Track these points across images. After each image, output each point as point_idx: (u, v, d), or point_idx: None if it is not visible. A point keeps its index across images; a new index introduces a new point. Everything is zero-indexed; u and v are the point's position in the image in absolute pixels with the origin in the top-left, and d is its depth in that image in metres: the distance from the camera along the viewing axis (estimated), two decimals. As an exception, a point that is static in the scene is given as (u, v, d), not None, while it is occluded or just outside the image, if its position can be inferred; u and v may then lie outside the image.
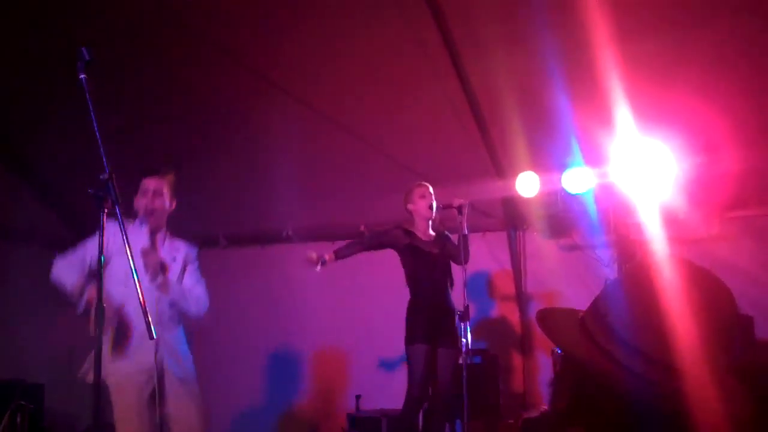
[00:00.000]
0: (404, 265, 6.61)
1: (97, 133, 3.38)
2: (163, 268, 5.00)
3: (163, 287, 4.92)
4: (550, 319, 1.64)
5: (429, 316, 6.40)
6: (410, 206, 6.60)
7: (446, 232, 6.71)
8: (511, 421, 6.05)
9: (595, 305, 1.56)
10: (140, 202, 4.97)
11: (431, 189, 6.56)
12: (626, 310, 1.49)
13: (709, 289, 1.49)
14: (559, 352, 5.64)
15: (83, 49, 3.42)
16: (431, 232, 6.66)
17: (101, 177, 3.37)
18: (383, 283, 7.63)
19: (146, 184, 4.98)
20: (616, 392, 1.44)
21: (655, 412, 1.41)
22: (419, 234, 6.58)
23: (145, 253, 4.90)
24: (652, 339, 1.42)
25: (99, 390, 3.41)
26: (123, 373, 4.74)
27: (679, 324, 1.41)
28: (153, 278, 4.85)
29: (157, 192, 5.00)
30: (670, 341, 1.40)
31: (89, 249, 4.85)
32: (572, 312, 1.64)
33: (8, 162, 8.15)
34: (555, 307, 1.74)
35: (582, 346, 1.51)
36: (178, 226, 8.62)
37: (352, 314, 8.19)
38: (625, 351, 1.44)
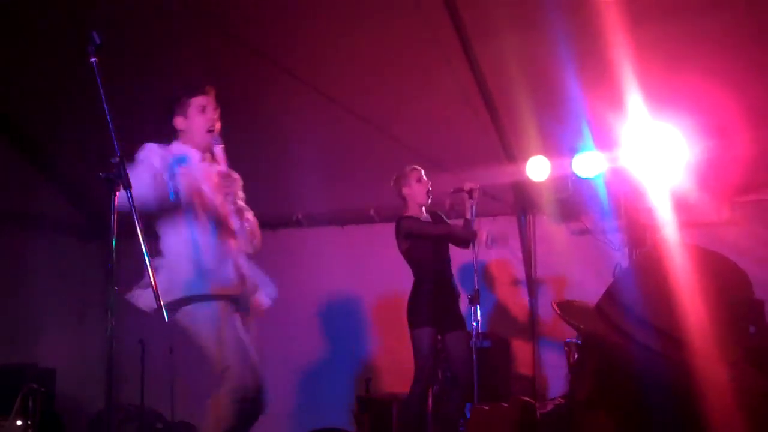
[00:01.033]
0: (405, 253, 6.60)
1: (108, 117, 3.38)
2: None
3: (251, 221, 4.65)
4: (568, 308, 1.66)
5: (434, 300, 6.42)
6: (406, 190, 6.57)
7: (439, 212, 6.72)
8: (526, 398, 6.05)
9: (610, 289, 1.58)
10: (198, 121, 4.54)
11: (423, 173, 6.55)
12: (639, 288, 1.50)
13: (722, 272, 1.50)
14: (574, 341, 5.64)
15: (94, 32, 3.42)
16: (425, 214, 6.65)
17: (112, 161, 3.37)
18: (390, 268, 7.65)
19: (200, 101, 4.54)
20: (634, 372, 1.45)
21: (669, 387, 1.42)
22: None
23: (225, 180, 4.51)
24: (665, 313, 1.43)
25: (112, 372, 3.41)
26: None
27: (691, 303, 1.42)
28: (239, 213, 4.56)
29: (215, 108, 4.59)
30: (682, 317, 1.41)
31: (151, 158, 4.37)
32: (588, 304, 1.66)
33: (19, 146, 8.17)
34: (572, 299, 1.76)
35: (599, 328, 1.52)
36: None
37: (361, 297, 8.21)
38: (639, 327, 1.45)
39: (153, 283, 3.41)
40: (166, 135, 4.61)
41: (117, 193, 3.36)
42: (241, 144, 7.62)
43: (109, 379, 3.41)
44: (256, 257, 4.76)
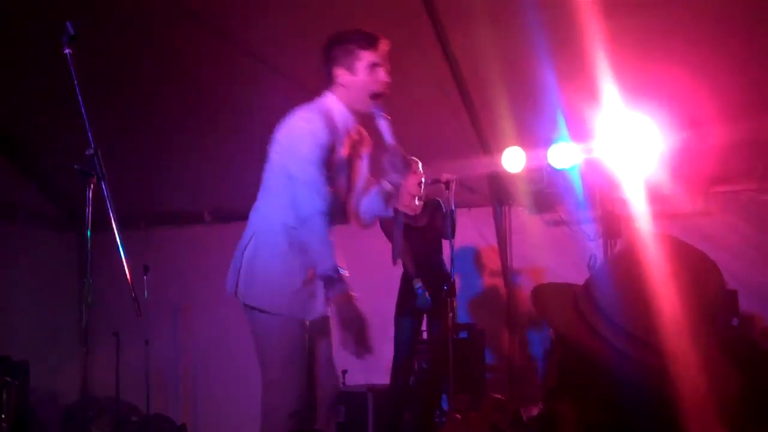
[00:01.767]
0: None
1: (83, 109, 3.36)
2: None
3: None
4: (543, 296, 1.66)
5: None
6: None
7: (438, 199, 6.70)
8: (498, 396, 6.09)
9: (587, 284, 1.58)
10: (366, 80, 3.86)
11: (420, 164, 6.57)
12: (614, 289, 1.51)
13: (695, 265, 1.50)
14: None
15: (68, 23, 3.39)
16: (417, 203, 6.66)
17: (87, 152, 3.35)
18: (370, 257, 7.63)
19: (372, 56, 3.85)
20: (604, 370, 1.46)
21: (640, 390, 1.43)
22: (405, 210, 6.59)
23: (394, 151, 3.91)
24: (638, 318, 1.44)
25: (87, 365, 3.40)
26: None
27: (665, 303, 1.42)
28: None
29: (388, 69, 3.93)
30: (655, 321, 1.42)
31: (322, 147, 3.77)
32: (567, 288, 1.65)
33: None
34: (551, 282, 1.75)
35: (573, 324, 1.52)
36: (162, 202, 8.65)
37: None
38: (613, 330, 1.46)
39: (128, 276, 3.39)
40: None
41: (91, 186, 3.33)
42: (212, 137, 7.63)
43: (83, 371, 3.39)
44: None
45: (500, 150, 7.15)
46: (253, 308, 3.86)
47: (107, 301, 6.64)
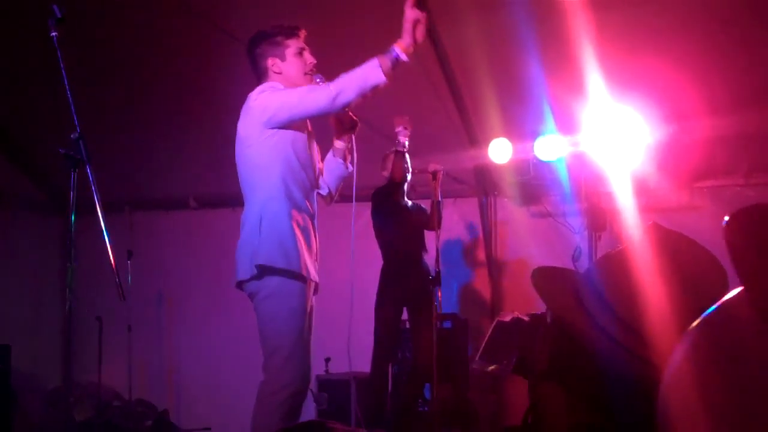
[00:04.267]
0: (378, 230, 6.65)
1: (68, 93, 3.34)
2: None
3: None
4: (544, 278, 1.66)
5: (403, 282, 6.49)
6: (386, 173, 6.62)
7: (418, 203, 6.78)
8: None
9: (589, 272, 1.59)
10: (298, 65, 4.28)
11: (408, 156, 6.58)
12: (613, 278, 1.51)
13: (687, 258, 1.51)
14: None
15: (54, 6, 3.37)
16: (406, 200, 6.70)
17: (72, 136, 3.33)
18: (355, 248, 7.63)
19: (298, 43, 4.28)
20: (594, 355, 1.46)
21: (627, 378, 1.44)
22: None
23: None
24: (632, 308, 1.45)
25: (69, 349, 3.39)
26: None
27: (657, 294, 1.43)
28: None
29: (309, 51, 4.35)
30: (647, 311, 1.43)
31: None
32: (569, 273, 1.66)
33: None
34: (552, 266, 1.76)
35: (571, 308, 1.53)
36: (145, 189, 8.61)
37: (322, 276, 8.19)
38: (609, 317, 1.46)
39: (112, 261, 3.38)
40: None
41: (76, 170, 3.32)
42: (193, 124, 7.60)
43: (66, 356, 3.38)
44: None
45: (487, 141, 7.15)
46: (273, 273, 4.03)
47: (91, 286, 6.65)
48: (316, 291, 4.35)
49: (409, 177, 6.55)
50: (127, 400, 7.69)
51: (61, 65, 3.34)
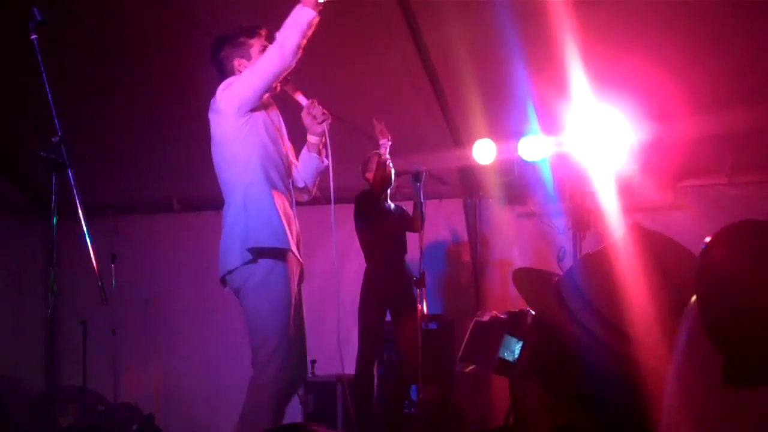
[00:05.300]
0: (361, 233, 6.66)
1: (49, 95, 3.32)
2: None
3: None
4: (525, 277, 1.66)
5: (386, 285, 6.51)
6: (369, 174, 6.63)
7: (402, 206, 6.79)
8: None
9: (570, 271, 1.58)
10: None
11: (390, 162, 6.59)
12: (594, 277, 1.51)
13: (668, 257, 1.51)
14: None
15: (34, 9, 3.36)
16: (389, 201, 6.71)
17: (53, 139, 3.32)
18: (339, 250, 7.61)
19: (261, 41, 4.38)
20: (576, 354, 1.46)
21: (610, 376, 1.43)
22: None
23: (310, 105, 4.48)
24: (613, 306, 1.44)
25: (53, 353, 3.37)
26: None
27: (639, 292, 1.43)
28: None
29: None
30: (629, 309, 1.43)
31: None
32: (549, 274, 1.66)
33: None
34: (533, 267, 1.76)
35: (552, 306, 1.53)
36: (129, 192, 8.57)
37: (305, 276, 8.18)
38: (591, 315, 1.46)
39: (94, 264, 3.36)
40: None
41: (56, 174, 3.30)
42: (177, 127, 7.57)
43: (49, 360, 3.36)
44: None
45: (471, 142, 7.16)
46: (265, 255, 4.11)
47: (74, 290, 6.61)
48: (302, 278, 4.41)
49: (392, 180, 6.57)
50: (112, 404, 7.67)
51: (42, 68, 3.32)
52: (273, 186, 4.21)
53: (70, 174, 3.32)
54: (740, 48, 6.17)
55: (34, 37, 3.35)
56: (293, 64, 4.15)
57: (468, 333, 6.72)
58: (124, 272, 7.74)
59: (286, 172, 4.39)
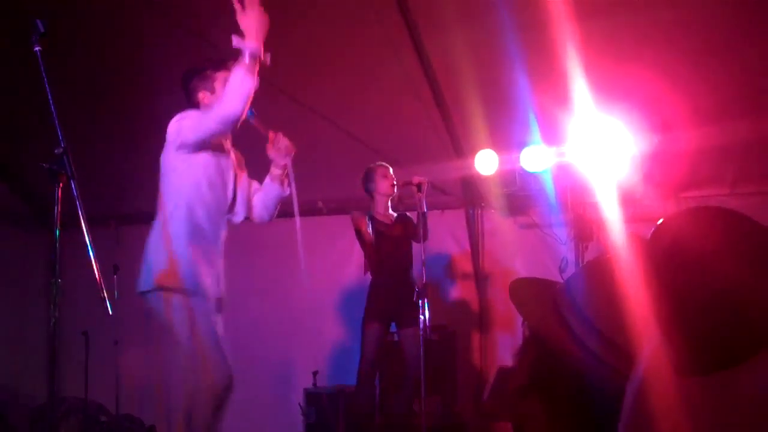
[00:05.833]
0: (362, 250, 6.67)
1: (52, 106, 3.33)
2: None
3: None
4: (521, 290, 1.64)
5: (390, 297, 6.51)
6: (371, 185, 6.63)
7: (407, 214, 6.77)
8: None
9: (568, 283, 1.56)
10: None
11: (391, 169, 6.60)
12: (592, 290, 1.49)
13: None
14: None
15: (38, 21, 3.36)
16: (391, 212, 6.70)
17: (56, 151, 3.32)
18: (341, 262, 7.63)
19: (226, 75, 4.36)
20: (575, 370, 1.45)
21: (610, 395, 1.42)
22: (379, 216, 6.62)
23: (276, 138, 4.67)
24: (611, 320, 1.43)
25: (54, 364, 3.37)
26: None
27: (638, 306, 1.42)
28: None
29: None
30: (628, 324, 1.41)
31: None
32: (547, 284, 1.64)
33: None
34: (529, 277, 1.74)
35: (550, 322, 1.51)
36: (131, 203, 8.57)
37: (311, 292, 8.17)
38: (590, 332, 1.45)
39: (97, 275, 3.37)
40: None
41: (60, 185, 3.31)
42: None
43: (51, 371, 3.36)
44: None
45: (473, 152, 7.15)
46: (166, 290, 4.42)
47: (77, 301, 6.60)
48: (219, 307, 4.60)
49: (395, 190, 6.57)
50: (114, 416, 7.64)
51: (45, 79, 3.33)
52: (195, 224, 4.41)
53: (73, 185, 3.32)
54: (742, 59, 6.17)
55: (37, 49, 3.36)
56: (242, 118, 4.23)
57: (491, 381, 6.69)
58: (126, 283, 7.72)
59: (218, 211, 4.56)
